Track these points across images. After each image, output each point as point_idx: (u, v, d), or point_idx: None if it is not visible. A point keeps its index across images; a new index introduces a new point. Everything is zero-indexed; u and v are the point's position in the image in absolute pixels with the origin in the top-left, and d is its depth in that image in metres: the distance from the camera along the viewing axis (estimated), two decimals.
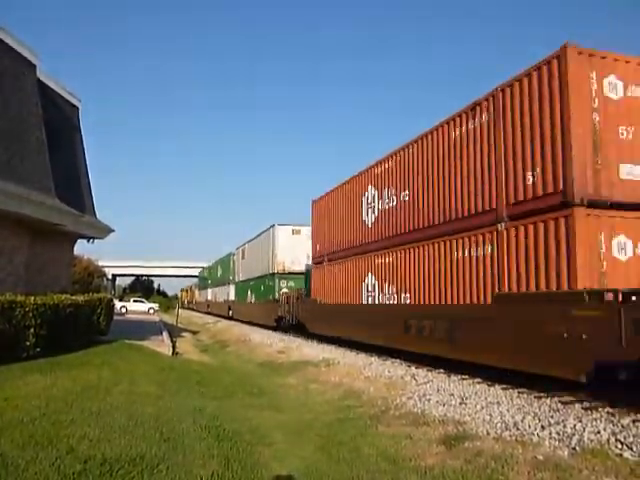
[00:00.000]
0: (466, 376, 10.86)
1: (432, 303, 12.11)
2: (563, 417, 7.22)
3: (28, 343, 10.47)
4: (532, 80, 9.49)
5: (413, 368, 12.37)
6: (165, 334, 20.90)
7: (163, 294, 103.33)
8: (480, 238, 10.59)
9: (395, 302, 14.09)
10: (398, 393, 9.59)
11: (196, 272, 74.69)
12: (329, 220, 19.94)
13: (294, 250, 27.06)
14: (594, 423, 6.84)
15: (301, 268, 25.94)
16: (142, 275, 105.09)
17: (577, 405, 8.00)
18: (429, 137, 12.91)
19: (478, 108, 11.02)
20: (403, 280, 13.71)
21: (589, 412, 7.56)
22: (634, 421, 6.89)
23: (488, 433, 6.72)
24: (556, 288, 8.58)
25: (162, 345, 16.21)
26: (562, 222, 8.63)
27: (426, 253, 12.55)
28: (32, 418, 6.21)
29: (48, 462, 4.78)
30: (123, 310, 41.87)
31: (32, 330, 10.50)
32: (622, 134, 8.97)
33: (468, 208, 11.14)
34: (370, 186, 16.34)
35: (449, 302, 11.42)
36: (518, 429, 6.77)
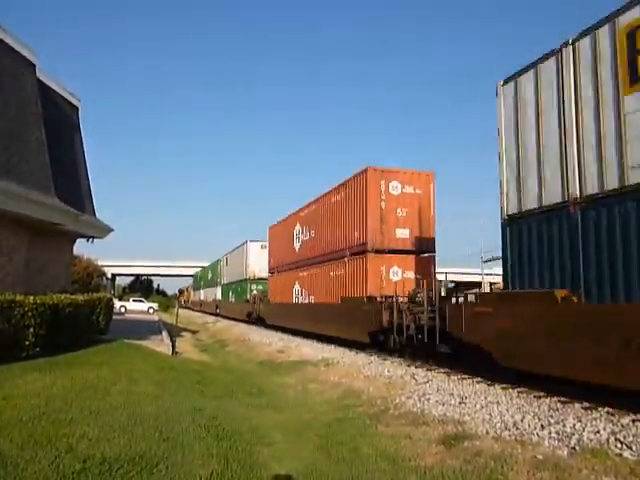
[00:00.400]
0: (466, 376, 10.86)
1: (321, 302, 20.42)
2: (563, 417, 7.22)
3: (27, 342, 10.46)
4: (356, 182, 17.76)
5: (413, 368, 12.37)
6: (164, 333, 20.89)
7: (162, 294, 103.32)
8: (339, 264, 18.82)
9: (307, 301, 22.37)
10: (397, 392, 9.59)
11: (198, 270, 75.05)
12: (276, 243, 28.30)
13: (262, 261, 32.44)
14: (594, 422, 6.84)
15: (267, 275, 31.27)
16: (141, 275, 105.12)
17: (577, 405, 8.00)
18: (324, 198, 21.08)
19: (341, 188, 19.17)
20: (310, 287, 22.15)
21: (589, 412, 7.57)
22: (634, 420, 6.89)
23: (487, 433, 6.72)
24: (360, 294, 16.71)
25: (161, 344, 16.20)
26: (363, 260, 16.84)
27: (321, 271, 20.76)
28: (31, 417, 6.20)
29: (47, 461, 4.78)
30: (122, 310, 41.85)
31: (31, 329, 10.49)
32: (398, 213, 16.82)
33: (336, 246, 19.21)
34: (297, 223, 24.34)
35: (326, 301, 19.64)
36: (517, 429, 6.77)
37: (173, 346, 16.94)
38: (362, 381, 11.10)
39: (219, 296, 47.34)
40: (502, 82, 10.99)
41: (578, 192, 8.92)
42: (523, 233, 10.09)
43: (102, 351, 12.65)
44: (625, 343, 7.01)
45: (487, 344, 9.91)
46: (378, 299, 14.93)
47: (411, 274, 16.34)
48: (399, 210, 16.64)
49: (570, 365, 7.93)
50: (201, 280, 64.35)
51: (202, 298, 61.02)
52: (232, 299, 40.11)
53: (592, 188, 8.67)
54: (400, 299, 13.99)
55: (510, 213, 10.51)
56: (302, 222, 23.49)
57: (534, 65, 10.08)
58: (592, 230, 8.56)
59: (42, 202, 12.87)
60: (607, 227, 8.27)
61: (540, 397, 8.66)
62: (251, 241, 34.80)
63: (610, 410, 7.53)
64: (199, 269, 72.12)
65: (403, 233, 16.64)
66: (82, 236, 17.51)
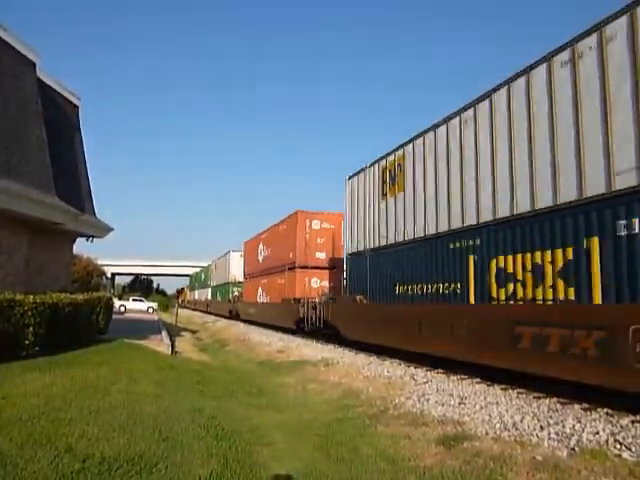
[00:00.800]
0: (465, 376, 10.86)
1: (271, 301, 28.60)
2: (562, 417, 7.23)
3: (27, 342, 10.46)
4: (291, 219, 25.50)
5: (412, 368, 12.38)
6: (164, 333, 20.90)
7: (162, 293, 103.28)
8: (282, 275, 26.34)
9: (265, 301, 30.42)
10: (397, 393, 9.59)
11: (195, 271, 75.80)
12: (248, 255, 36.47)
13: (241, 268, 39.03)
14: (593, 423, 6.84)
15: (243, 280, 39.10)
16: (141, 274, 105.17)
17: (576, 405, 8.01)
18: (275, 227, 28.99)
19: (284, 221, 26.85)
20: (267, 291, 30.19)
21: (588, 412, 7.57)
22: (633, 422, 6.90)
23: (487, 433, 6.72)
24: (292, 296, 23.59)
25: (161, 344, 16.20)
26: (294, 273, 24.43)
27: (272, 279, 28.89)
28: (31, 416, 6.20)
29: (46, 461, 4.78)
30: (122, 309, 41.87)
31: (31, 329, 10.49)
32: (318, 241, 24.15)
33: (280, 262, 26.60)
34: (260, 242, 32.48)
35: (274, 301, 27.52)
36: (517, 429, 6.77)
37: (173, 346, 16.95)
38: (361, 381, 11.10)
39: (210, 296, 54.13)
40: (347, 177, 18.13)
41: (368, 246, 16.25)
42: (353, 264, 17.51)
43: (102, 350, 12.65)
44: (384, 321, 14.08)
45: (338, 325, 17.78)
46: (300, 300, 22.01)
47: (326, 283, 23.88)
48: (318, 239, 24.26)
49: (367, 335, 15.35)
50: (196, 282, 71.58)
51: (197, 298, 67.88)
52: (219, 299, 47.77)
53: (372, 244, 16.05)
54: (311, 299, 21.02)
55: (349, 252, 18.08)
56: (263, 242, 31.87)
57: (362, 169, 17.10)
58: (371, 265, 15.77)
59: (42, 201, 12.86)
60: (377, 263, 15.45)
61: (539, 398, 8.67)
62: (233, 251, 42.56)
63: (609, 411, 7.53)
64: (198, 269, 72.99)
65: (320, 255, 24.21)
66: (82, 235, 17.51)
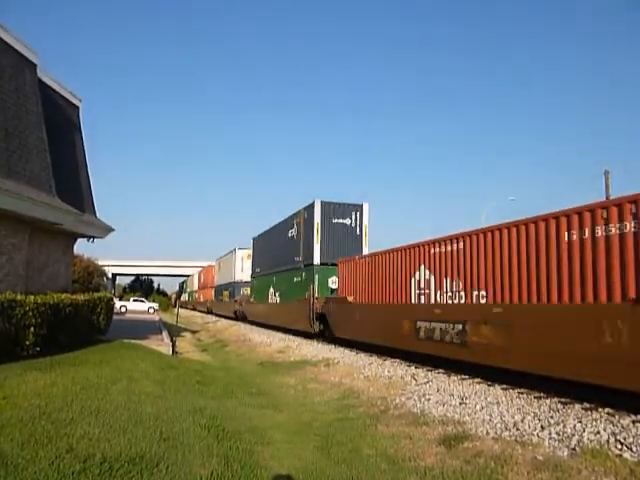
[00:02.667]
0: (466, 376, 10.87)
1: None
2: (563, 417, 7.23)
3: (28, 342, 10.46)
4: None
5: (413, 368, 12.38)
6: (165, 333, 20.89)
7: (163, 293, 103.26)
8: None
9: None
10: (398, 393, 9.59)
11: (196, 271, 75.78)
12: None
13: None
14: (594, 423, 6.85)
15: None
16: (142, 274, 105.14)
17: (577, 405, 8.01)
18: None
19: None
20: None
21: (589, 412, 7.57)
22: (634, 422, 6.90)
23: (488, 433, 6.72)
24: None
25: (162, 344, 16.20)
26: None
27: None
28: (32, 417, 6.20)
29: (47, 461, 4.78)
30: (123, 309, 41.88)
31: (32, 329, 10.49)
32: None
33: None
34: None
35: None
36: (518, 429, 6.78)
37: (173, 346, 16.95)
38: (362, 381, 11.11)
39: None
40: None
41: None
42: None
43: (102, 351, 12.65)
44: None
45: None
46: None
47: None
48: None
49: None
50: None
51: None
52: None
53: None
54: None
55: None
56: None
57: None
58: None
59: (43, 201, 12.86)
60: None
61: (540, 398, 8.67)
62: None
63: (610, 411, 7.54)
64: (199, 268, 72.89)
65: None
66: (83, 236, 17.51)
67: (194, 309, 66.63)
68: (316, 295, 20.69)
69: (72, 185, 16.62)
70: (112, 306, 16.38)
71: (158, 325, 26.57)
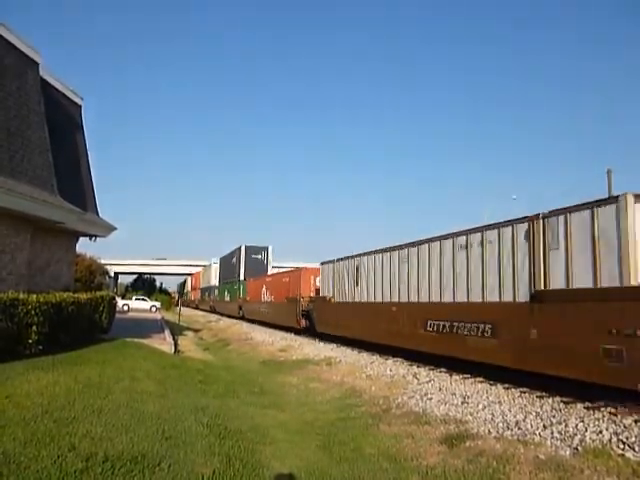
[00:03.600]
0: (468, 375, 10.86)
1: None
2: (565, 417, 7.22)
3: (30, 341, 10.48)
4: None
5: (415, 367, 12.38)
6: (167, 332, 20.92)
7: (165, 292, 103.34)
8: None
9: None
10: (400, 392, 9.59)
11: (198, 270, 76.33)
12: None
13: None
14: (596, 423, 6.83)
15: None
16: (144, 273, 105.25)
17: (579, 405, 7.99)
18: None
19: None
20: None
21: (591, 412, 7.56)
22: (636, 421, 6.88)
23: (490, 432, 6.71)
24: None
25: (164, 343, 16.22)
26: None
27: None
28: (34, 415, 6.22)
29: (50, 460, 4.79)
30: (125, 308, 41.90)
31: (34, 328, 10.51)
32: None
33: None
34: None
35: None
36: (520, 429, 6.77)
37: (175, 345, 16.96)
38: (364, 380, 11.11)
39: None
40: None
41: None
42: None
43: (105, 350, 12.67)
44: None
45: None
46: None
47: None
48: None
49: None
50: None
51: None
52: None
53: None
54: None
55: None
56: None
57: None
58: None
59: (45, 201, 12.88)
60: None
61: (542, 397, 8.65)
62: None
63: (612, 411, 7.52)
64: (201, 267, 73.51)
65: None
66: (85, 235, 17.52)
67: (187, 306, 70.73)
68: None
69: (74, 184, 16.63)
70: (114, 305, 16.40)
71: (160, 324, 26.60)
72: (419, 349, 12.97)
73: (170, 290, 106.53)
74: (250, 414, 7.89)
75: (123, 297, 51.71)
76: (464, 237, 11.91)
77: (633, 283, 7.61)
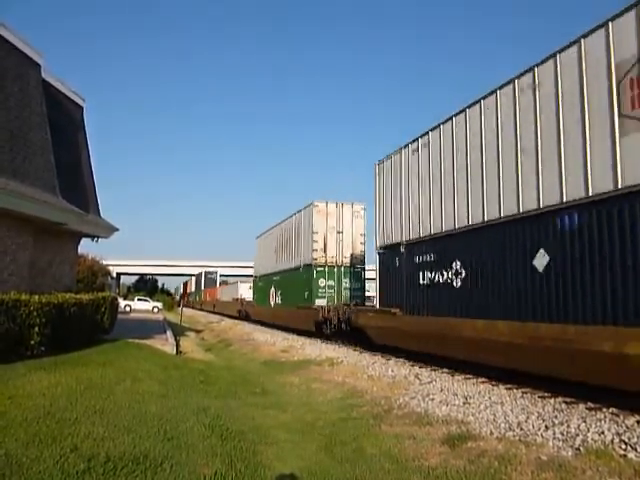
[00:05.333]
0: (470, 376, 10.84)
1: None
2: (567, 417, 7.20)
3: (32, 342, 10.50)
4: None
5: (417, 368, 12.36)
6: (169, 333, 20.93)
7: (167, 293, 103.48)
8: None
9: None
10: (401, 392, 9.58)
11: (200, 270, 77.03)
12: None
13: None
14: (598, 423, 6.82)
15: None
16: (146, 274, 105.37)
17: (581, 405, 7.98)
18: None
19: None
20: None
21: (593, 412, 7.54)
22: (638, 422, 6.87)
23: (491, 433, 6.70)
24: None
25: (166, 344, 16.24)
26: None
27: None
28: (36, 416, 6.23)
29: (52, 460, 4.80)
30: (127, 309, 41.95)
31: (36, 329, 10.53)
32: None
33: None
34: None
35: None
36: (522, 429, 6.76)
37: (177, 345, 16.97)
38: (366, 381, 11.10)
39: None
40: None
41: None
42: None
43: (107, 350, 12.68)
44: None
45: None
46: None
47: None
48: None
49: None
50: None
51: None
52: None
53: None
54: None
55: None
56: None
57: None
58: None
59: (47, 202, 12.90)
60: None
61: (544, 397, 8.64)
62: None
63: (615, 411, 7.51)
64: (202, 268, 74.55)
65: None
66: (87, 236, 17.55)
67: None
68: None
69: (76, 185, 16.67)
70: (116, 306, 16.42)
71: (162, 324, 26.62)
72: None
73: (174, 291, 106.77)
74: (252, 415, 7.89)
75: (125, 298, 51.75)
76: None
77: None
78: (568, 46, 8.70)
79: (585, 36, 8.34)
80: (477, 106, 11.28)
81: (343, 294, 21.96)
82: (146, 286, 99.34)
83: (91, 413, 6.64)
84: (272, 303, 28.98)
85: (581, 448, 5.88)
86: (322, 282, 22.06)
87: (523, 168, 9.66)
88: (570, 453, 5.77)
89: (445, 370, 11.72)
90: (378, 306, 15.40)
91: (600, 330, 7.49)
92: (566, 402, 8.22)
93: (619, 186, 7.58)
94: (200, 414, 7.25)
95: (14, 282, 12.31)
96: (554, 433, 6.49)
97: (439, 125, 12.79)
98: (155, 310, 45.75)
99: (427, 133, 13.32)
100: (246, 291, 41.21)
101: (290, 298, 25.27)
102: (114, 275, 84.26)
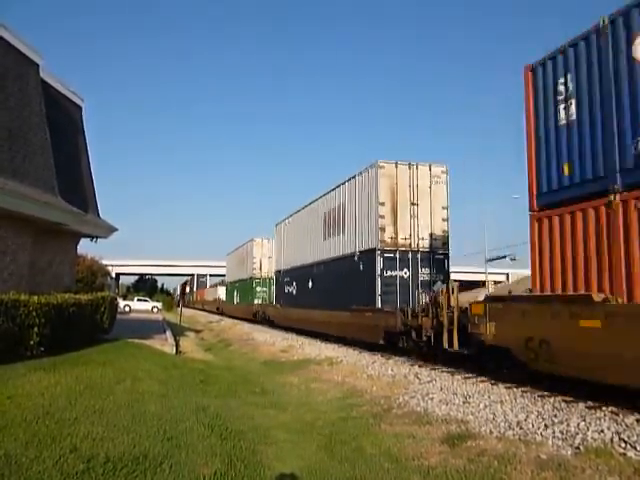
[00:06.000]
0: (469, 375, 10.84)
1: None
2: (567, 416, 7.20)
3: (32, 342, 10.49)
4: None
5: (416, 367, 12.36)
6: (168, 333, 20.93)
7: (167, 293, 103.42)
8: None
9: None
10: (401, 392, 9.58)
11: (199, 270, 77.34)
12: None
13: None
14: (598, 422, 6.82)
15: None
16: (146, 274, 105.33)
17: (581, 404, 7.98)
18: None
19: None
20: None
21: (593, 411, 7.54)
22: (638, 420, 6.87)
23: (491, 432, 6.70)
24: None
25: (165, 344, 16.23)
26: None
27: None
28: (35, 416, 6.23)
29: (51, 461, 4.80)
30: (127, 309, 41.95)
31: (36, 329, 10.52)
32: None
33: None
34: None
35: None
36: (521, 428, 6.76)
37: (177, 345, 16.96)
38: (365, 380, 11.10)
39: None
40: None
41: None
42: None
43: (106, 350, 12.68)
44: None
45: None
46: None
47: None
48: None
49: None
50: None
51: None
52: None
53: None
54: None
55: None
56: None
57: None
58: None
59: (46, 202, 12.89)
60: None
61: (544, 396, 8.64)
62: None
63: (614, 409, 7.50)
64: (202, 267, 74.83)
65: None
66: (86, 236, 17.53)
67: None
68: None
69: (75, 185, 16.65)
70: (116, 306, 16.42)
71: (162, 324, 26.61)
72: None
73: (173, 291, 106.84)
74: (251, 414, 7.89)
75: (124, 298, 51.75)
76: None
77: None
78: None
79: None
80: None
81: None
82: (145, 286, 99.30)
83: (90, 413, 6.64)
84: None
85: (581, 447, 5.88)
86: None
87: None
88: (570, 452, 5.77)
89: (445, 369, 11.72)
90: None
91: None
92: (566, 401, 8.22)
93: None
94: (200, 414, 7.25)
95: (14, 282, 12.30)
96: (554, 432, 6.49)
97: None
98: (154, 310, 45.74)
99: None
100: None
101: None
102: (113, 275, 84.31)
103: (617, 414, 7.27)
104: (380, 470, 5.46)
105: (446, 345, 11.49)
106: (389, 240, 15.69)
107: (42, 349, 10.77)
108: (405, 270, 15.60)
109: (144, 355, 12.89)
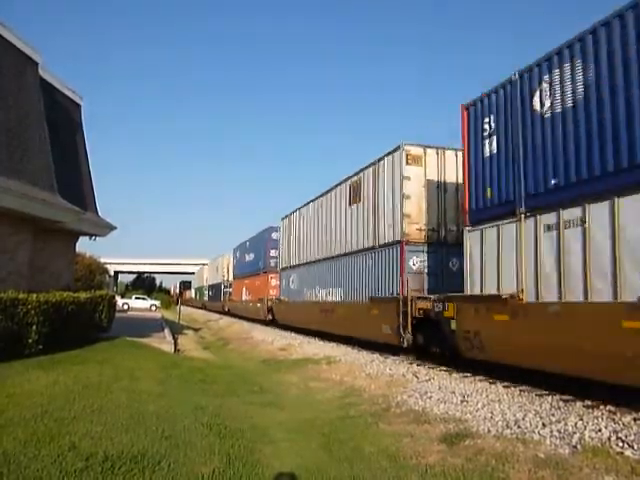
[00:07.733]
0: (467, 374, 10.87)
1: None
2: (564, 415, 7.22)
3: (30, 340, 10.49)
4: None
5: (415, 366, 12.38)
6: (167, 331, 20.94)
7: (165, 291, 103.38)
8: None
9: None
10: (399, 391, 9.59)
11: (197, 269, 77.03)
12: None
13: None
14: (595, 421, 6.84)
15: None
16: (144, 272, 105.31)
17: (578, 403, 8.00)
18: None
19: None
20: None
21: (590, 410, 7.57)
22: (635, 419, 6.89)
23: (489, 431, 6.72)
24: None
25: (164, 342, 16.24)
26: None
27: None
28: (34, 415, 6.23)
29: (50, 459, 4.80)
30: (125, 307, 41.96)
31: (34, 327, 10.52)
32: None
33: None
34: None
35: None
36: (519, 427, 6.77)
37: (175, 344, 16.98)
38: (364, 379, 11.11)
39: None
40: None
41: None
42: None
43: (104, 349, 12.68)
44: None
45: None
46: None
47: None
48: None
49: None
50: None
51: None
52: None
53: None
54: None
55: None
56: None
57: None
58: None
59: (45, 200, 12.88)
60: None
61: (542, 395, 8.66)
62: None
63: (612, 408, 7.53)
64: (201, 265, 74.16)
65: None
66: (85, 234, 17.51)
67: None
68: None
69: (74, 183, 16.61)
70: (114, 304, 16.41)
71: (160, 323, 26.61)
72: None
73: (172, 290, 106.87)
74: (250, 413, 7.90)
75: (123, 296, 51.80)
76: None
77: None
78: None
79: None
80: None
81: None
82: (144, 284, 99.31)
83: (89, 412, 6.64)
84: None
85: (578, 446, 5.89)
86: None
87: None
88: (567, 451, 5.79)
89: (443, 368, 11.74)
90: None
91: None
92: (563, 400, 8.24)
93: None
94: (198, 412, 7.25)
95: (13, 280, 12.29)
96: (551, 431, 6.51)
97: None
98: (153, 308, 45.79)
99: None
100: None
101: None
102: (112, 273, 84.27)
103: (614, 413, 7.29)
104: (378, 469, 5.47)
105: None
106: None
107: (41, 347, 10.77)
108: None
109: (143, 354, 12.89)
